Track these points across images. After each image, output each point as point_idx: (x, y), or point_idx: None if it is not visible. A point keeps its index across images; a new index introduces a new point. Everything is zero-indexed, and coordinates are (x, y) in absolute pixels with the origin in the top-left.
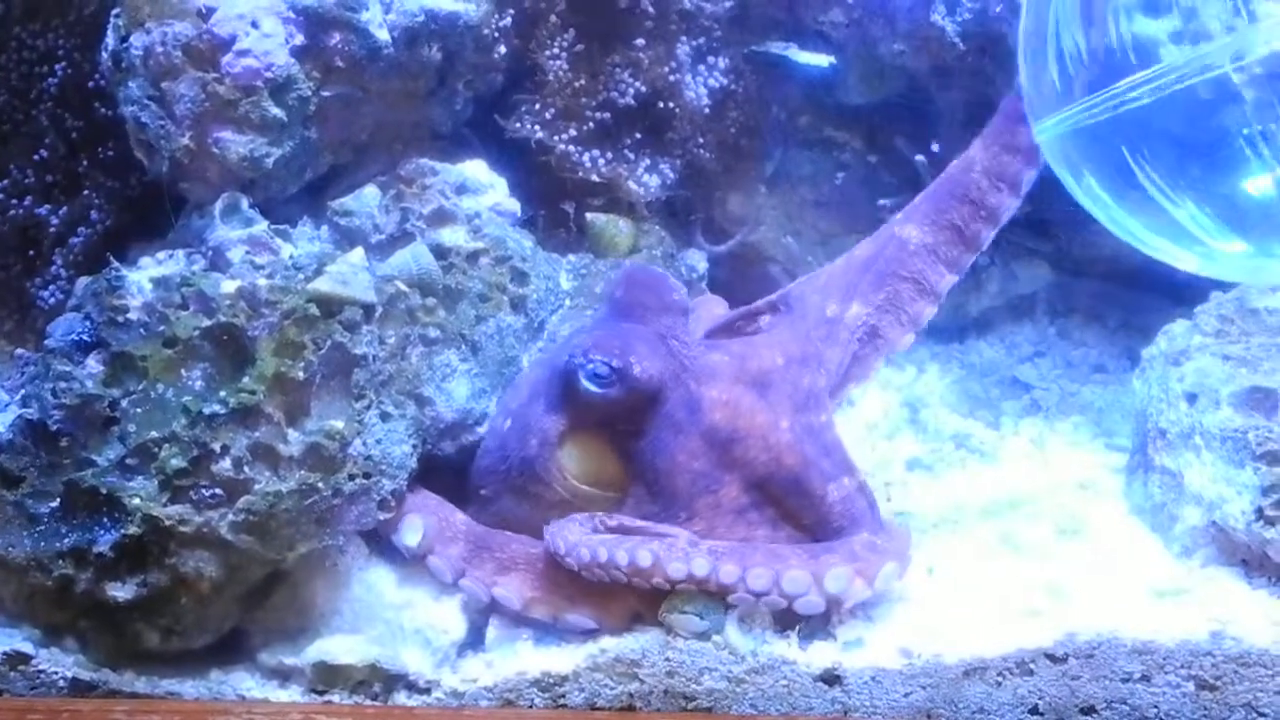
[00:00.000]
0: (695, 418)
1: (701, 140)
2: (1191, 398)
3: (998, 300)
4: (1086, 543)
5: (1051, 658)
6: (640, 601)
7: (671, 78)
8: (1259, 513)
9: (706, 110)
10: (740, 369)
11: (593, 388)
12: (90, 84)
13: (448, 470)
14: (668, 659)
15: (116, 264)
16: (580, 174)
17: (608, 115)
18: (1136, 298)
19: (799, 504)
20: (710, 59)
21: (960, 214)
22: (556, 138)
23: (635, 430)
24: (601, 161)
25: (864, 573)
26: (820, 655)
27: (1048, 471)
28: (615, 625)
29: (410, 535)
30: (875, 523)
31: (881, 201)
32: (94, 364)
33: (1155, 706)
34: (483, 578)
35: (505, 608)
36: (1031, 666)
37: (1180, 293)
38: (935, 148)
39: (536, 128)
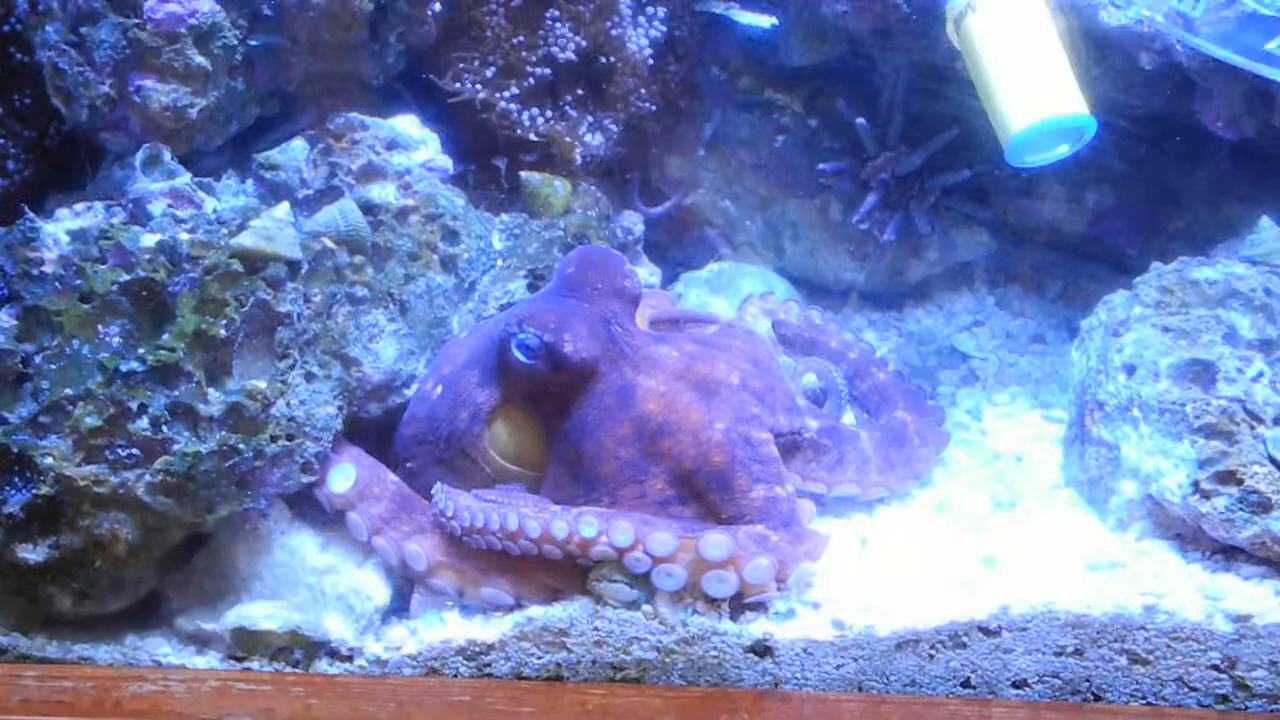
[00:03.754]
0: (627, 404)
1: (643, 94)
2: (1130, 369)
3: (936, 268)
4: (1022, 515)
5: (985, 630)
6: (557, 576)
7: (614, 32)
8: (1195, 486)
9: (649, 63)
10: (686, 368)
11: (520, 358)
12: (5, 28)
13: (374, 433)
14: (596, 628)
15: (31, 215)
16: (519, 133)
17: (548, 71)
18: (1077, 267)
19: (720, 498)
20: (650, 9)
21: (891, 455)
22: (497, 95)
23: (562, 410)
24: (541, 120)
25: (736, 559)
26: (751, 626)
27: (984, 442)
28: (532, 600)
29: (340, 481)
30: (785, 522)
31: (822, 166)
32: (6, 318)
33: (1088, 680)
34: (396, 538)
35: (412, 569)
36: (964, 639)
37: (1121, 262)
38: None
39: (478, 86)
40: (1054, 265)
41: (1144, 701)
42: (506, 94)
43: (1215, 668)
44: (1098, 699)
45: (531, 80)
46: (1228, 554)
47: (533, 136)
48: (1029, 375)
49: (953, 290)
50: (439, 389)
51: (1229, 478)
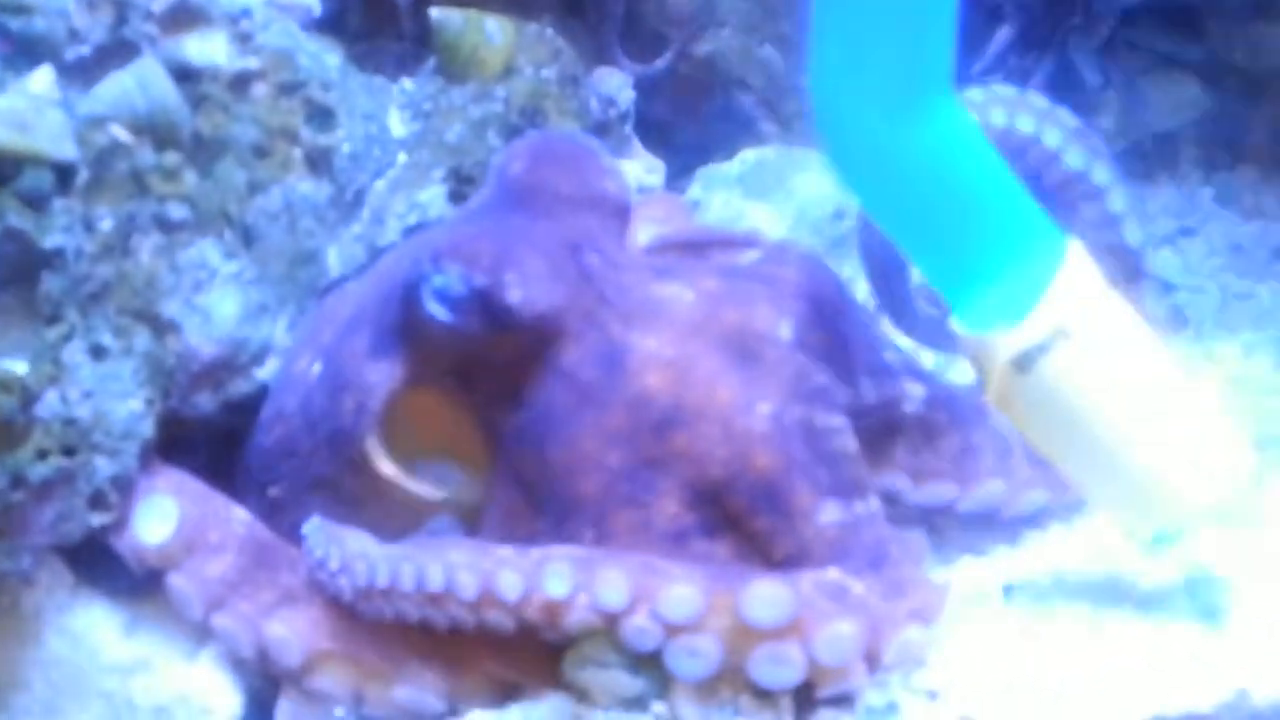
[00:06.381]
0: (614, 381)
1: None
2: None
3: (1117, 142)
4: (1271, 536)
5: None
6: (512, 662)
7: None
8: None
9: None
10: (708, 315)
11: (437, 313)
12: None
13: (207, 442)
14: None
15: None
16: None
17: None
18: None
19: (771, 525)
20: None
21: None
22: None
23: (510, 394)
24: None
25: (802, 625)
26: None
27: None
28: (473, 697)
29: (154, 526)
30: (875, 561)
31: None
32: None
33: None
34: (250, 612)
35: (278, 662)
36: None
37: None
38: None
39: None
40: None
41: None
42: None
43: None
44: None
45: None
46: None
47: None
48: (1272, 313)
49: (1144, 177)
50: (317, 367)
51: None
